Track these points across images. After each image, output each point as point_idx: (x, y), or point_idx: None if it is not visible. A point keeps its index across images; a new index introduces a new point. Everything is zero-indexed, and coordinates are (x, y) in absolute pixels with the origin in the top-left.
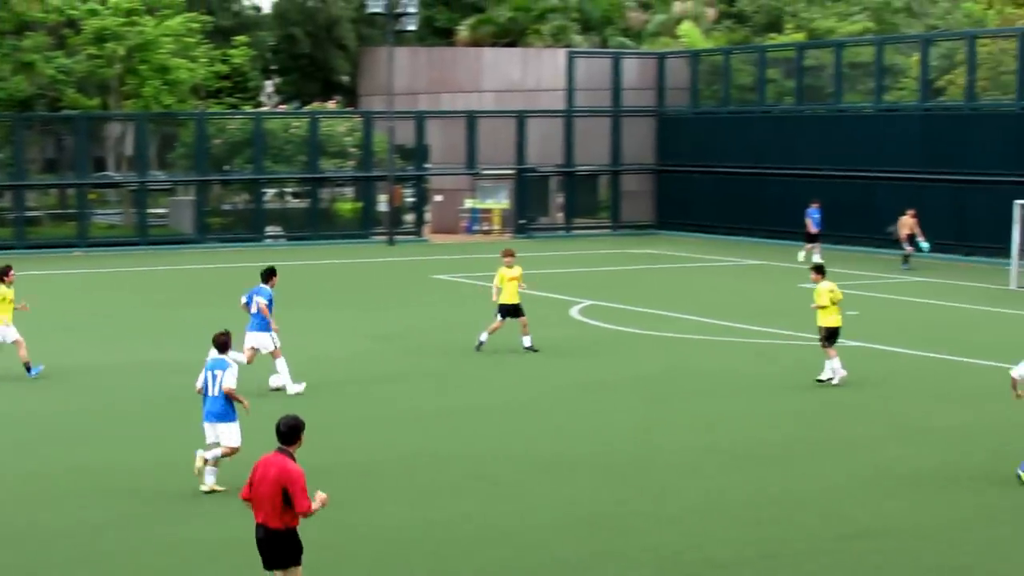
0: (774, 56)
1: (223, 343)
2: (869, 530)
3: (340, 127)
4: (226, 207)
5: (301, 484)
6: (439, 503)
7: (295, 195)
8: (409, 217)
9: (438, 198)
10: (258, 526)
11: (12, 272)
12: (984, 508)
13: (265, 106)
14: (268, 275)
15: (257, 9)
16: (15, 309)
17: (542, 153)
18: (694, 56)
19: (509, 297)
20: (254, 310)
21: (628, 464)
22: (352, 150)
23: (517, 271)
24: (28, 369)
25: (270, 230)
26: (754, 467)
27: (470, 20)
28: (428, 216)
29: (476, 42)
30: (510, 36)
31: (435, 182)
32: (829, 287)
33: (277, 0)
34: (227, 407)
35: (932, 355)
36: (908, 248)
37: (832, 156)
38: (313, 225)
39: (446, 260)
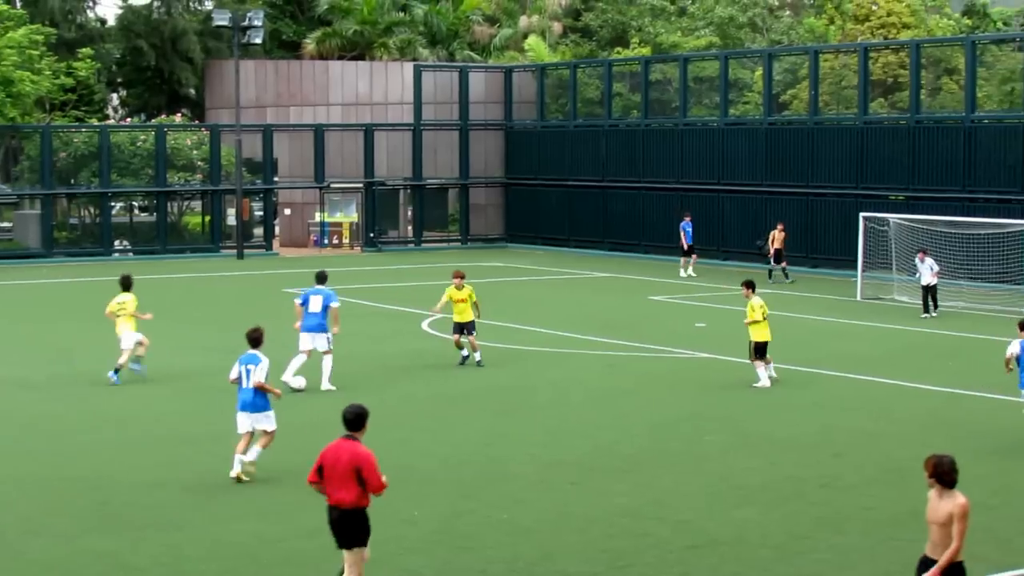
0: (620, 70)
1: (255, 339)
2: (719, 540)
3: (187, 140)
4: (73, 221)
5: (374, 465)
6: (283, 518)
7: (142, 209)
8: (258, 231)
9: (287, 212)
10: (331, 508)
11: None
12: (831, 516)
13: (111, 119)
14: (323, 277)
15: (102, 22)
16: None
17: (391, 166)
18: (541, 70)
19: (460, 316)
20: (313, 308)
21: (477, 476)
22: (200, 163)
23: (466, 291)
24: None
25: (118, 244)
26: (604, 479)
27: (316, 33)
28: (277, 230)
29: (323, 55)
30: (357, 49)
31: (284, 196)
32: (760, 302)
33: (122, 12)
34: (261, 397)
35: (783, 366)
36: (775, 264)
37: (678, 169)
38: (161, 239)
39: (296, 274)
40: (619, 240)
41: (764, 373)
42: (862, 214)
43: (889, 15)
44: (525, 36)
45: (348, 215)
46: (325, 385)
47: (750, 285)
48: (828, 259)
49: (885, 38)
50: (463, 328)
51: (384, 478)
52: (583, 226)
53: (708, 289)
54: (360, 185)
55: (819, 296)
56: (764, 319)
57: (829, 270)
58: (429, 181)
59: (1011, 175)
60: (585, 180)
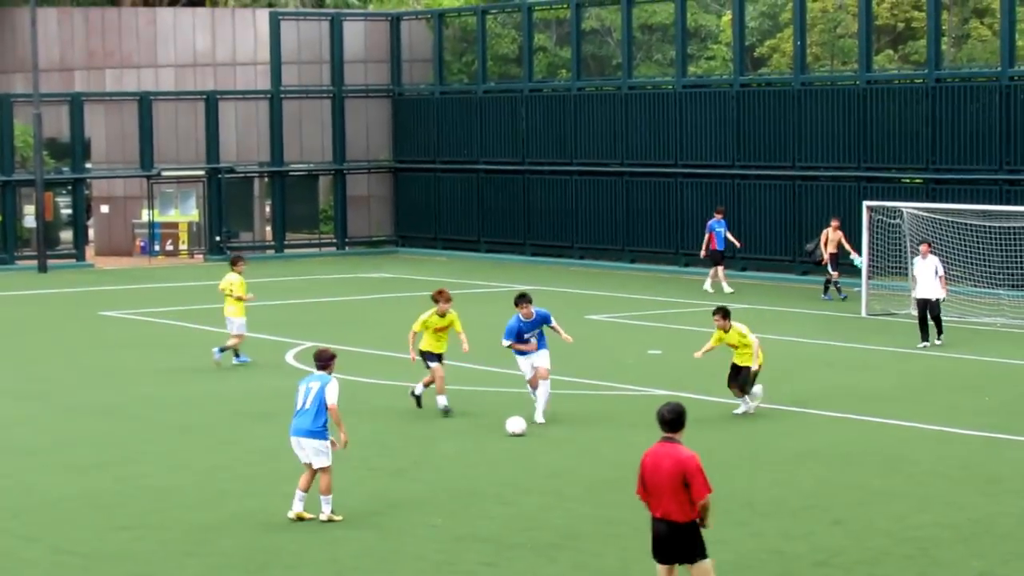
0: (543, 16)
1: (326, 360)
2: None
3: None
4: None
5: (700, 470)
6: None
7: None
8: (66, 235)
9: (104, 209)
10: (658, 520)
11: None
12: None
13: None
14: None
15: None
16: None
17: (242, 148)
18: (438, 17)
19: (435, 346)
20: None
21: (361, 556)
22: None
23: (450, 319)
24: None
25: None
26: (530, 559)
27: None
28: (92, 233)
29: (149, 2)
30: None
31: (100, 188)
32: (741, 328)
33: None
34: (323, 424)
35: (764, 406)
36: (833, 273)
37: (622, 147)
38: None
39: (118, 291)
40: (545, 243)
41: (754, 395)
42: (866, 203)
43: None
44: None
45: (185, 213)
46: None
47: (726, 314)
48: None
49: None
50: (439, 358)
51: (709, 484)
52: (498, 224)
53: (661, 304)
54: (202, 173)
55: (811, 312)
56: (743, 346)
57: (824, 277)
58: (293, 167)
59: None
60: (499, 163)
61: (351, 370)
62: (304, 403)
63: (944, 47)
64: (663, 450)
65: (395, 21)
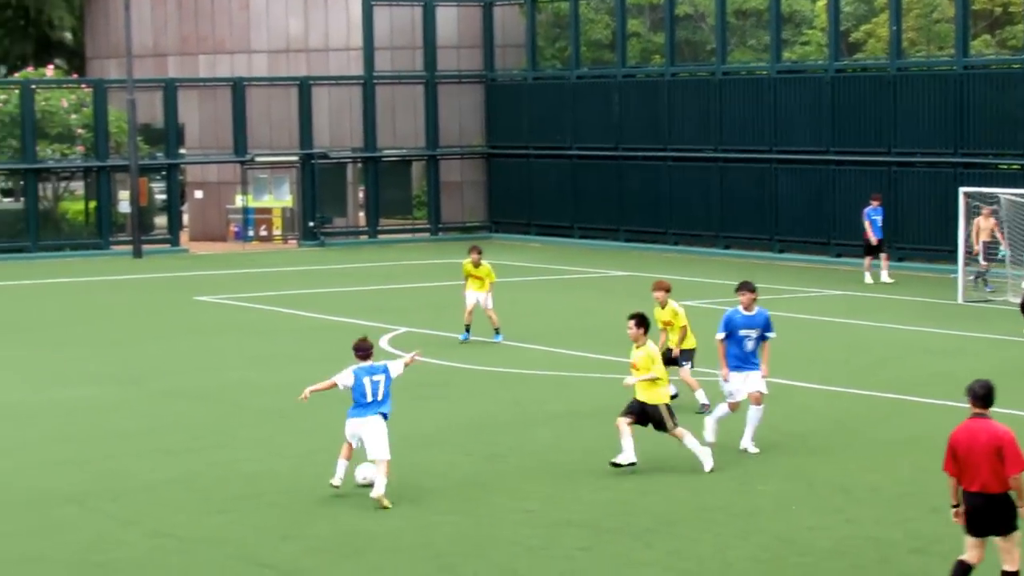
0: (637, 2)
1: (368, 350)
2: None
3: (63, 101)
4: None
5: (1015, 443)
6: None
7: (5, 193)
8: (161, 220)
9: (198, 195)
10: (973, 495)
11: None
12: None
13: None
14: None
15: None
16: None
17: (335, 133)
18: (531, 3)
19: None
20: None
21: (458, 542)
22: (80, 132)
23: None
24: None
25: None
26: (625, 543)
27: None
28: (186, 219)
29: None
30: None
31: (194, 173)
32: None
33: None
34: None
35: (857, 392)
36: (983, 264)
37: (716, 133)
38: (31, 233)
39: (212, 276)
40: (638, 228)
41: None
42: (962, 189)
43: None
44: None
45: (279, 198)
46: None
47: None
48: (918, 249)
49: None
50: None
51: None
52: (591, 210)
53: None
54: (295, 158)
55: (907, 299)
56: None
57: (919, 264)
58: (386, 152)
59: None
60: (593, 149)
61: (444, 355)
62: (376, 395)
63: None
64: (976, 425)
65: (488, 7)
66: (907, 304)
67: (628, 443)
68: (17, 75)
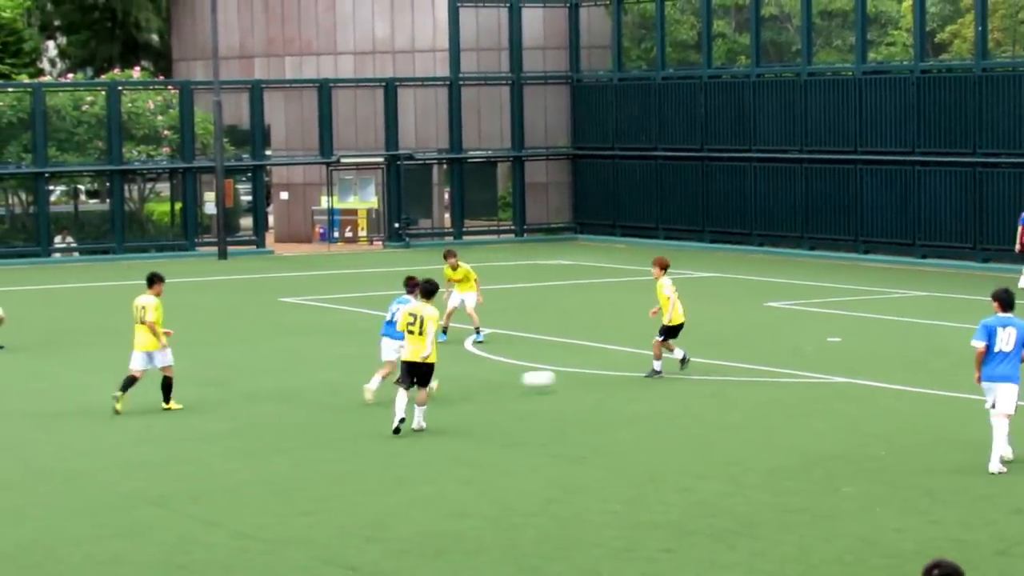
0: (723, 3)
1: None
2: None
3: (149, 102)
4: None
5: None
6: None
7: (91, 194)
8: (246, 222)
9: (284, 196)
10: None
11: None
12: None
13: (47, 75)
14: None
15: None
16: None
17: (421, 135)
18: (618, 3)
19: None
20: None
21: (540, 543)
22: (166, 133)
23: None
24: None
25: (59, 240)
26: (707, 545)
27: None
28: (272, 220)
29: None
30: None
31: (279, 175)
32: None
33: None
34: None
35: (950, 394)
36: None
37: (802, 134)
38: (117, 233)
39: (298, 278)
40: (723, 229)
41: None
42: None
43: None
44: None
45: (365, 200)
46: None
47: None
48: (1003, 251)
49: None
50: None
51: None
52: (676, 211)
53: (841, 292)
54: (380, 160)
55: (987, 299)
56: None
57: (1005, 265)
58: (472, 153)
59: None
60: (678, 150)
61: (530, 357)
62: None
63: None
64: None
65: (574, 7)
66: (988, 305)
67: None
68: (104, 77)
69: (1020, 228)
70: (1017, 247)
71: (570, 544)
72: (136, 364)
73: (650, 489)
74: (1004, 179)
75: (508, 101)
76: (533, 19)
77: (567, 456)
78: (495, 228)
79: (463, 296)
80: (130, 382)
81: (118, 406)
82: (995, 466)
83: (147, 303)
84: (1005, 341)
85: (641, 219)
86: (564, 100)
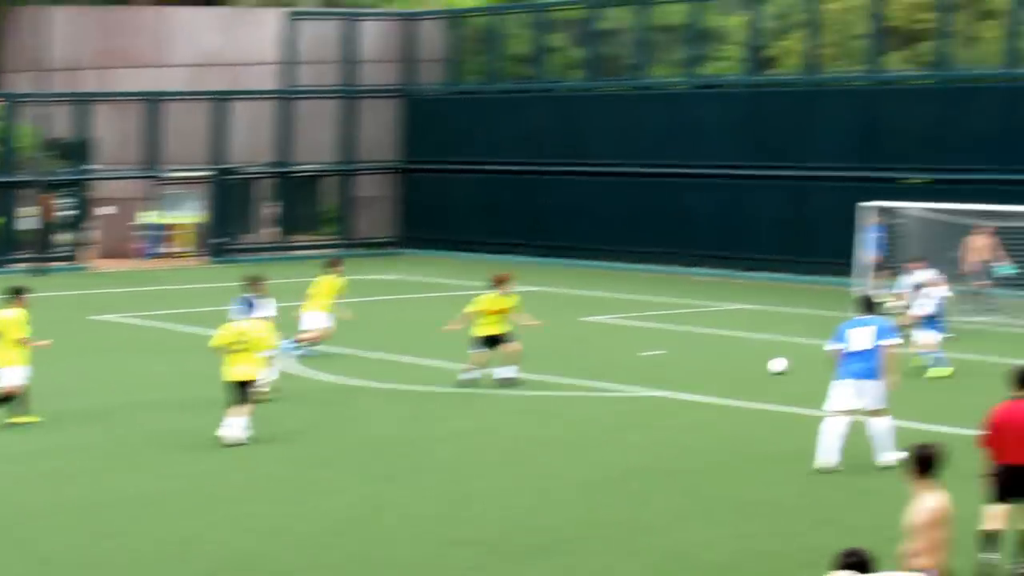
0: (559, 16)
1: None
2: None
3: None
4: None
5: None
6: None
7: None
8: (65, 237)
9: (106, 211)
10: (1009, 467)
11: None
12: None
13: None
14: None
15: None
16: None
17: (251, 148)
18: (454, 17)
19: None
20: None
21: (348, 563)
22: None
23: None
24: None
25: None
26: (516, 561)
27: None
28: (95, 235)
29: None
30: None
31: (106, 189)
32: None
33: None
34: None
35: (760, 406)
36: (975, 284)
37: (634, 148)
38: None
39: (114, 294)
40: (553, 243)
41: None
42: (860, 204)
43: None
44: None
45: (189, 214)
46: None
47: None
48: (826, 263)
49: None
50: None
51: None
52: (506, 225)
53: (667, 305)
54: (207, 174)
55: (810, 311)
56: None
57: (826, 277)
58: (299, 167)
59: None
60: (510, 163)
61: (350, 373)
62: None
63: (953, 48)
64: (1018, 406)
65: (410, 21)
66: (809, 318)
67: None
68: None
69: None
70: (875, 258)
71: (379, 563)
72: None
73: (462, 506)
74: (829, 193)
75: (341, 114)
76: (369, 32)
77: (380, 474)
78: (321, 243)
79: (310, 314)
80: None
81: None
82: (890, 457)
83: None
84: (862, 339)
85: (471, 233)
86: (398, 113)
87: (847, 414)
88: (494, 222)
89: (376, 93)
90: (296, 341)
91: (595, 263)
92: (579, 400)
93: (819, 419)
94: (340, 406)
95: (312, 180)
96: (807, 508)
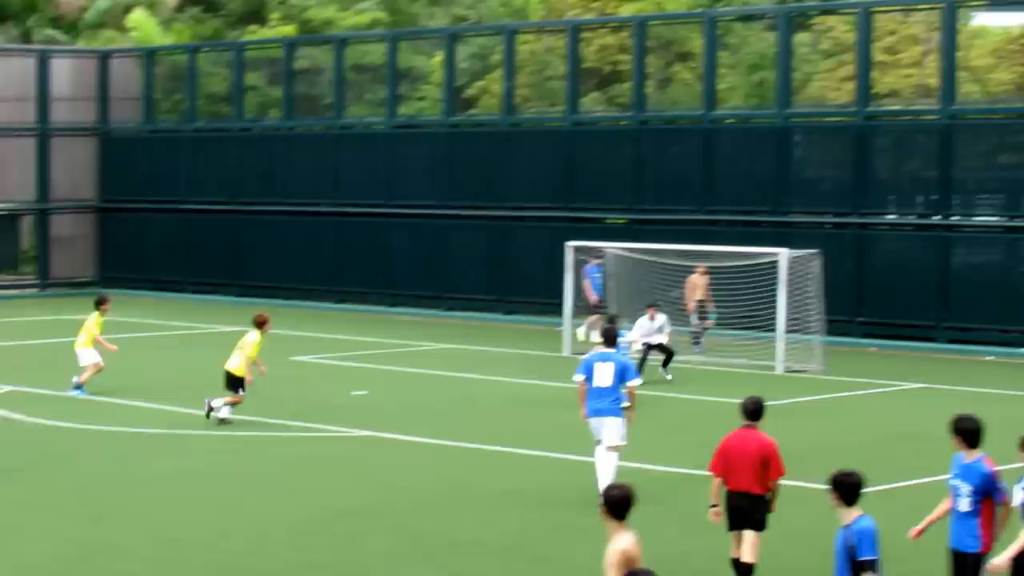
0: (255, 55)
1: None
2: None
3: None
4: None
5: (778, 454)
6: None
7: None
8: None
9: None
10: (737, 494)
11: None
12: None
13: None
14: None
15: None
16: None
17: None
18: (149, 55)
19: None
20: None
21: None
22: None
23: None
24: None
25: None
26: None
27: None
28: None
29: None
30: None
31: None
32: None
33: None
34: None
35: (474, 446)
36: (697, 322)
37: (333, 188)
38: None
39: None
40: (255, 283)
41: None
42: (569, 243)
43: None
44: (127, 10)
45: None
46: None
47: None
48: (531, 303)
49: (602, 13)
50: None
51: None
52: (206, 265)
53: (369, 345)
54: None
55: (515, 351)
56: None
57: (531, 317)
58: None
59: (760, 190)
60: (208, 203)
61: (57, 415)
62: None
63: (649, 90)
64: (747, 435)
65: (104, 58)
66: (516, 357)
67: None
68: None
69: (586, 282)
70: (591, 300)
71: None
72: None
73: (171, 549)
74: (532, 233)
75: (35, 153)
76: (62, 69)
77: (87, 516)
78: (16, 283)
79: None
80: None
81: None
82: None
83: None
84: (603, 376)
85: (170, 273)
86: (94, 152)
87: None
88: (194, 262)
89: (72, 131)
90: (80, 382)
91: (299, 303)
92: (289, 440)
93: (532, 458)
94: (46, 448)
95: (7, 219)
96: (522, 547)
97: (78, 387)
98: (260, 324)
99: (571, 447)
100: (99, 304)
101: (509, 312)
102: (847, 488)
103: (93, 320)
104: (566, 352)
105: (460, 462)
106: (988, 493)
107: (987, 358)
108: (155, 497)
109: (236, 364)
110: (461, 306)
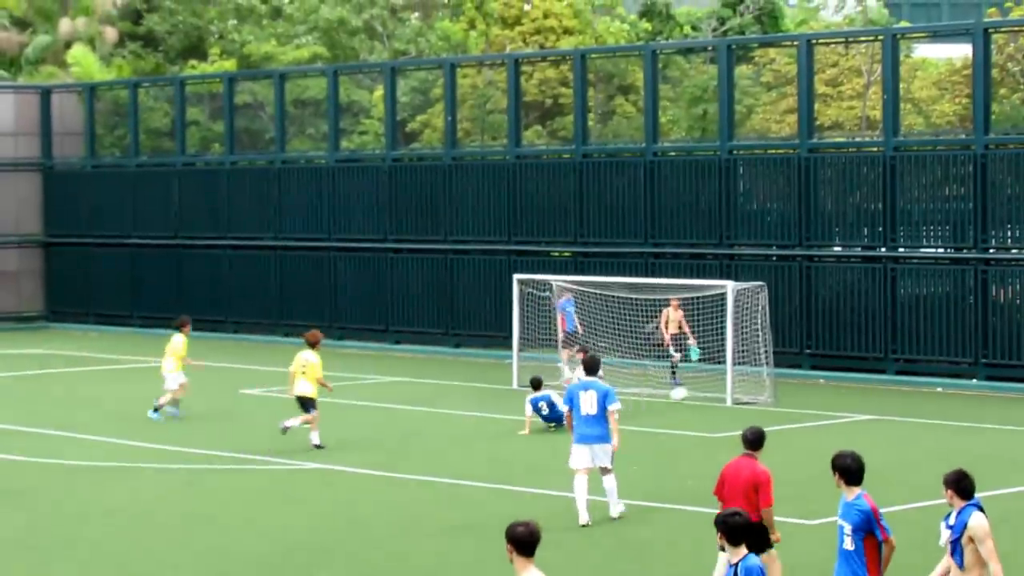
0: (196, 90)
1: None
2: None
3: None
4: None
5: (769, 484)
6: None
7: None
8: None
9: None
10: None
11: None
12: None
13: None
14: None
15: None
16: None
17: None
18: (90, 90)
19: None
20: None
21: None
22: None
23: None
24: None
25: None
26: None
27: None
28: None
29: None
30: None
31: None
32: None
33: None
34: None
35: (416, 477)
36: (676, 355)
37: (277, 222)
38: None
39: None
40: (199, 317)
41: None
42: (517, 276)
43: (546, 17)
44: (68, 46)
45: None
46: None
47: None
48: (478, 336)
49: (542, 47)
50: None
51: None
52: (151, 299)
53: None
54: None
55: (463, 384)
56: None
57: (478, 350)
58: None
59: (705, 222)
60: (152, 237)
61: (6, 449)
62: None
63: (591, 123)
64: (743, 462)
65: (45, 94)
66: (465, 390)
67: None
68: None
69: (560, 315)
70: (560, 333)
71: None
72: None
73: None
74: (474, 265)
75: None
76: (4, 105)
77: (37, 548)
78: None
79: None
80: None
81: None
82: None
83: None
84: (588, 404)
85: (116, 307)
86: (36, 187)
87: (587, 472)
88: (139, 296)
89: (15, 166)
90: (160, 405)
91: (243, 336)
92: (239, 473)
93: (483, 490)
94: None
95: None
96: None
97: (156, 410)
98: (314, 343)
99: (522, 480)
100: (181, 327)
101: (457, 345)
102: (730, 528)
103: (181, 342)
104: (514, 385)
105: (411, 495)
106: (870, 531)
107: (936, 389)
108: (106, 531)
109: (309, 389)
110: (408, 339)
